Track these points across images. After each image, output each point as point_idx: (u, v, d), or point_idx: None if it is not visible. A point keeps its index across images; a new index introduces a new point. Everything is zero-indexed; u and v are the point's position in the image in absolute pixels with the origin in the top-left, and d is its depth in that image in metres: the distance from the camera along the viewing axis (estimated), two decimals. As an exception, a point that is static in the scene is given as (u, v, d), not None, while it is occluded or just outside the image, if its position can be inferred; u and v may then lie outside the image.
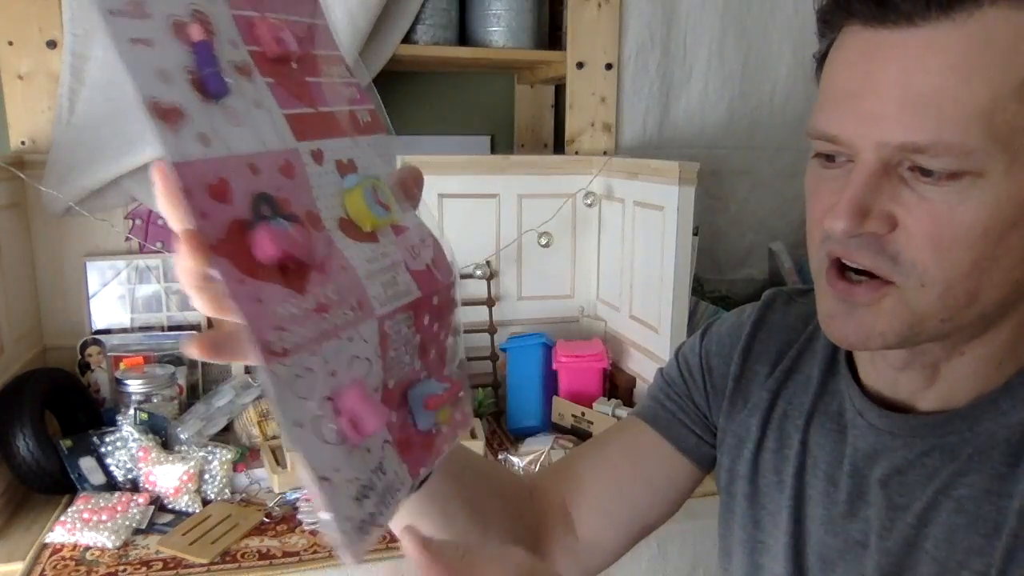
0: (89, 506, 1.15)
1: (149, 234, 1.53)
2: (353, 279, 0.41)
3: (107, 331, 1.51)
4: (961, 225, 0.49)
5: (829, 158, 0.54)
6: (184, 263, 0.36)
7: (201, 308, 0.38)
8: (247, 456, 1.32)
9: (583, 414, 1.45)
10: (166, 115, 0.35)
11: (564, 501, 0.76)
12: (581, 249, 1.73)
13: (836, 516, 0.64)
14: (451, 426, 0.49)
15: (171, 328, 1.54)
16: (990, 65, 0.46)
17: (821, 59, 0.57)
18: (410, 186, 0.48)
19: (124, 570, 1.06)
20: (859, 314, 0.54)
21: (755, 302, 0.78)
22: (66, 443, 1.23)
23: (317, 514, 0.39)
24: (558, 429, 1.47)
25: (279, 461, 1.30)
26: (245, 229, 0.37)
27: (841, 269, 0.54)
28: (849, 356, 0.67)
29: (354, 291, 0.41)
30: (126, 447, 1.25)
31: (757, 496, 0.70)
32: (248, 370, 1.45)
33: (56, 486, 1.21)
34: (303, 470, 0.38)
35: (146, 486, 1.23)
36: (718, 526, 0.77)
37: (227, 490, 1.26)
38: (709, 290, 1.85)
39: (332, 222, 0.42)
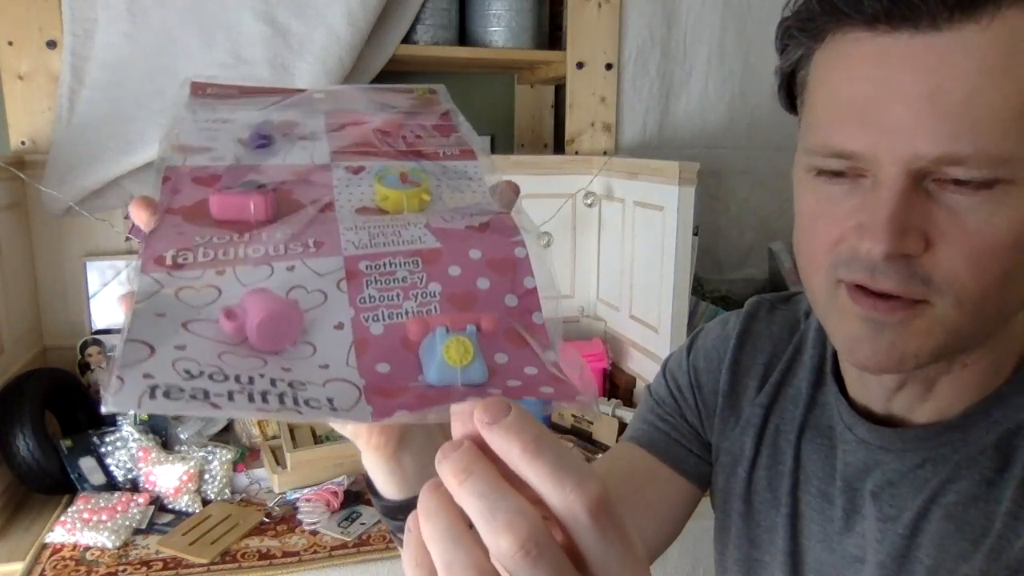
0: (89, 506, 1.15)
1: (149, 234, 1.53)
2: (327, 227, 0.40)
3: (107, 331, 1.50)
4: (995, 237, 0.46)
5: (835, 173, 0.50)
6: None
7: None
8: (247, 456, 1.32)
9: (583, 414, 1.45)
10: (190, 150, 0.39)
11: None
12: (581, 249, 1.73)
13: (832, 532, 0.63)
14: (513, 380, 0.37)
15: (171, 328, 1.53)
16: (1019, 68, 0.44)
17: (790, 74, 0.54)
18: (506, 191, 0.44)
19: (124, 570, 1.06)
20: (889, 334, 0.49)
21: (738, 311, 0.76)
22: (66, 443, 1.23)
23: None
24: (558, 429, 1.47)
25: (279, 461, 1.30)
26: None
27: (863, 289, 0.50)
28: (836, 368, 0.65)
29: (318, 234, 0.40)
30: (126, 447, 1.25)
31: (752, 514, 0.69)
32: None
33: (56, 486, 1.21)
34: (120, 336, 0.33)
35: (146, 486, 1.23)
36: (714, 543, 0.75)
37: (227, 490, 1.26)
38: (709, 290, 1.85)
39: (348, 209, 0.42)
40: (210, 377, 0.33)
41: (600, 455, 1.35)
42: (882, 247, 0.46)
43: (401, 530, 0.47)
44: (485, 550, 0.29)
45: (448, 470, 0.30)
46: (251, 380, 0.33)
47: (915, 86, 0.45)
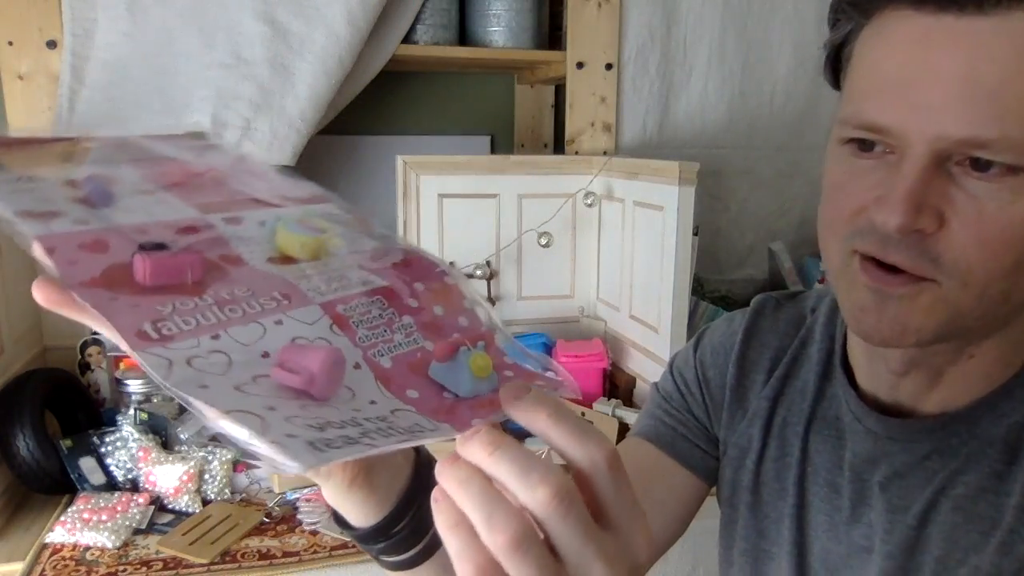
0: (89, 506, 1.15)
1: (149, 234, 1.53)
2: (278, 281, 0.39)
3: (107, 331, 1.50)
4: (1010, 224, 0.46)
5: (864, 146, 0.51)
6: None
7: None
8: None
9: (583, 414, 1.45)
10: (39, 216, 0.35)
11: None
12: (581, 249, 1.73)
13: (839, 522, 0.63)
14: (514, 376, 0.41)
15: (171, 328, 1.54)
16: None
17: (838, 48, 0.55)
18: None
19: (124, 570, 1.06)
20: (893, 307, 0.50)
21: (744, 308, 0.77)
22: (66, 443, 1.23)
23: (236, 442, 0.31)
24: (558, 429, 1.47)
25: (279, 461, 1.30)
26: (127, 268, 0.35)
27: (873, 259, 0.51)
28: (844, 360, 0.66)
29: (278, 287, 0.38)
30: (126, 447, 1.25)
31: (760, 506, 0.70)
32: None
33: (56, 486, 1.21)
34: (209, 413, 0.31)
35: (146, 486, 1.23)
36: (719, 537, 0.76)
37: (227, 490, 1.26)
38: (709, 290, 1.85)
39: (259, 260, 0.40)
40: (330, 425, 0.33)
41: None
42: (896, 220, 0.47)
43: (385, 552, 0.48)
44: (518, 505, 0.33)
45: (479, 445, 0.34)
46: (356, 421, 0.35)
47: (951, 67, 0.46)
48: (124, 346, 0.32)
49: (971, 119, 0.45)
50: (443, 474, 0.34)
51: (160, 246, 0.36)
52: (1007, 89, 0.44)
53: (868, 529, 0.61)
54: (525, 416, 0.34)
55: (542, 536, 0.33)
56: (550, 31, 1.78)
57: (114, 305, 0.33)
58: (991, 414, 0.56)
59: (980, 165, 0.46)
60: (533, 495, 0.32)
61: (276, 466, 0.30)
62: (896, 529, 0.59)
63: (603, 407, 1.45)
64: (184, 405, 0.31)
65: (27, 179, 0.39)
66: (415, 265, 0.44)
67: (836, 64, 0.57)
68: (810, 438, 0.66)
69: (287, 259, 0.40)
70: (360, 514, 0.47)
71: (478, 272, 1.61)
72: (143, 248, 0.36)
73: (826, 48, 0.57)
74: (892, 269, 0.50)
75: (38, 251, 0.34)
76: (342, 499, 0.47)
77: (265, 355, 0.35)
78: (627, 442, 0.79)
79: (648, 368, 1.52)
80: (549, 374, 0.42)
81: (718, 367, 0.75)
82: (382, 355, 0.39)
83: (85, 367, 1.47)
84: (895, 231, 0.48)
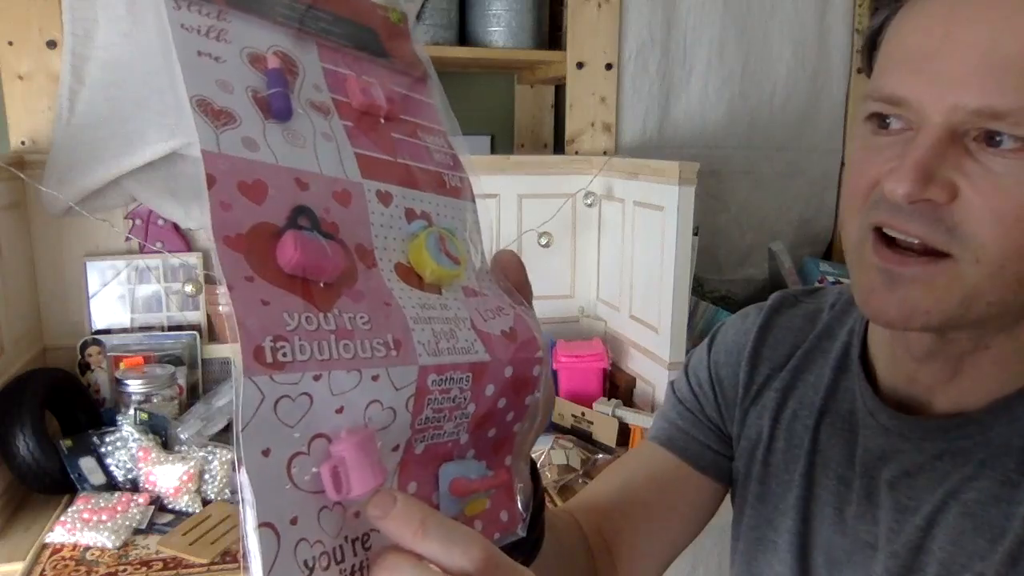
0: (89, 506, 1.15)
1: (149, 234, 1.53)
2: (397, 317, 0.36)
3: (107, 331, 1.50)
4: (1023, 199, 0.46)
5: (883, 123, 0.51)
6: None
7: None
8: (247, 456, 1.32)
9: (583, 414, 1.45)
10: (215, 114, 0.34)
11: (606, 546, 0.74)
12: (581, 249, 1.73)
13: (847, 516, 0.63)
14: (488, 523, 0.42)
15: (171, 328, 1.54)
16: None
17: (875, 33, 0.55)
18: (508, 269, 0.47)
19: (124, 570, 1.06)
20: (903, 289, 0.50)
21: (759, 304, 0.77)
22: (66, 443, 1.23)
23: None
24: (558, 429, 1.47)
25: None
26: (273, 236, 0.33)
27: (885, 240, 0.51)
28: (863, 354, 0.66)
29: (394, 328, 0.36)
30: (126, 447, 1.25)
31: (766, 495, 0.70)
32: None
33: (56, 486, 1.21)
34: (246, 511, 0.31)
35: (146, 486, 1.23)
36: (731, 534, 0.76)
37: (227, 490, 1.26)
38: (709, 290, 1.85)
39: (387, 264, 0.38)
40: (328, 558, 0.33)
41: (601, 455, 1.36)
42: (904, 187, 0.47)
43: None
44: None
45: (405, 524, 0.34)
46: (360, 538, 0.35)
47: (972, 40, 0.46)
48: (237, 347, 0.30)
49: (988, 89, 0.45)
50: (387, 566, 0.34)
51: (312, 220, 0.35)
52: None
53: (874, 526, 0.61)
54: (391, 532, 0.34)
55: None
56: (550, 31, 1.78)
57: (249, 290, 0.32)
58: (1006, 417, 0.56)
59: (995, 140, 0.46)
60: (461, 564, 0.33)
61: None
62: (903, 529, 0.59)
63: (603, 407, 1.45)
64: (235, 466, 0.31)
65: (217, 39, 0.35)
66: (519, 339, 0.42)
67: (872, 50, 0.57)
68: (821, 431, 0.66)
69: (412, 274, 0.39)
70: None
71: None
72: (296, 224, 0.34)
73: (862, 35, 0.57)
74: (904, 250, 0.50)
75: (199, 166, 0.32)
76: None
77: (340, 411, 0.33)
78: (643, 447, 0.79)
79: (648, 368, 1.52)
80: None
81: (731, 366, 0.75)
82: (422, 441, 0.38)
83: (85, 367, 1.47)
84: (902, 198, 0.47)
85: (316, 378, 0.32)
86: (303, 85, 0.38)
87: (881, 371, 0.64)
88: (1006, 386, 0.56)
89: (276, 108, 0.36)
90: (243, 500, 0.31)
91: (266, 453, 0.31)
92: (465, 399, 0.38)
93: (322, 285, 0.34)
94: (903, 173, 0.47)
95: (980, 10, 0.46)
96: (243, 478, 0.30)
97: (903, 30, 0.51)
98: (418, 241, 0.39)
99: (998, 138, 0.46)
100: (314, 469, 0.33)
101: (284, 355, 0.31)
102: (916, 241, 0.49)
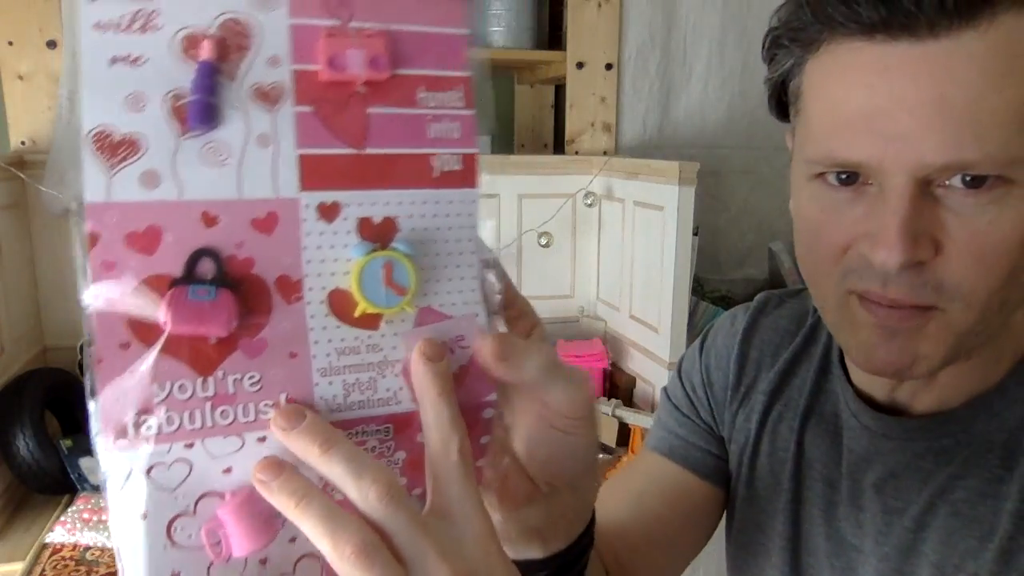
0: (89, 506, 1.15)
1: (149, 234, 1.53)
2: (300, 372, 0.34)
3: (107, 331, 1.50)
4: (1002, 236, 0.46)
5: (838, 178, 0.50)
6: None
7: None
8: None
9: (583, 414, 1.45)
10: (113, 149, 0.31)
11: (621, 565, 0.72)
12: (581, 249, 1.73)
13: (834, 519, 0.63)
14: None
15: (171, 328, 1.53)
16: (1018, 71, 0.44)
17: (781, 83, 0.54)
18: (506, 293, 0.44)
19: (124, 570, 1.06)
20: (901, 339, 0.50)
21: (745, 304, 0.77)
22: (66, 443, 1.23)
23: None
24: (558, 429, 1.47)
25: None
26: (167, 288, 0.31)
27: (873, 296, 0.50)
28: (842, 356, 0.66)
29: (291, 385, 0.34)
30: (126, 447, 1.25)
31: (755, 499, 0.70)
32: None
33: (56, 486, 1.21)
34: (129, 562, 0.31)
35: (146, 486, 1.23)
36: (725, 538, 0.76)
37: (227, 490, 1.26)
38: (709, 290, 1.85)
39: (319, 293, 0.34)
40: None
41: (601, 455, 1.35)
42: (896, 257, 0.46)
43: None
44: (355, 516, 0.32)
45: (310, 440, 0.32)
46: None
47: (919, 95, 0.45)
48: (95, 427, 0.30)
49: (950, 144, 0.45)
50: (272, 488, 0.32)
51: (217, 263, 0.32)
52: (980, 108, 0.44)
53: (863, 528, 0.61)
54: (296, 447, 0.33)
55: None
56: (550, 31, 1.78)
57: (120, 361, 0.30)
58: (986, 413, 0.56)
59: (964, 182, 0.46)
60: (365, 494, 0.32)
61: None
62: (892, 531, 0.59)
63: (603, 407, 1.45)
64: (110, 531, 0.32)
65: (136, 13, 0.31)
66: (469, 381, 0.38)
67: (781, 99, 0.56)
68: (806, 432, 0.66)
69: (346, 302, 0.35)
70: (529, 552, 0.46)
71: (478, 272, 1.61)
72: (191, 273, 0.32)
73: (767, 85, 0.56)
74: (894, 303, 0.49)
75: (84, 227, 0.30)
76: (510, 546, 0.45)
77: (228, 471, 0.33)
78: (645, 459, 0.78)
79: (648, 368, 1.52)
80: None
81: (721, 369, 0.74)
82: (341, 493, 0.35)
83: (85, 367, 1.47)
84: (895, 268, 0.47)
85: (188, 446, 0.32)
86: (252, 65, 0.33)
87: (859, 379, 0.64)
88: (985, 382, 0.57)
89: (192, 120, 0.32)
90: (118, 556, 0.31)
91: (144, 516, 0.31)
92: (388, 448, 0.36)
93: (214, 341, 0.32)
94: (893, 243, 0.46)
95: (916, 61, 0.45)
96: (115, 542, 0.31)
97: (834, 88, 0.49)
98: (354, 270, 0.35)
99: (968, 178, 0.46)
100: (199, 528, 0.32)
101: (148, 428, 0.31)
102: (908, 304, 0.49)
